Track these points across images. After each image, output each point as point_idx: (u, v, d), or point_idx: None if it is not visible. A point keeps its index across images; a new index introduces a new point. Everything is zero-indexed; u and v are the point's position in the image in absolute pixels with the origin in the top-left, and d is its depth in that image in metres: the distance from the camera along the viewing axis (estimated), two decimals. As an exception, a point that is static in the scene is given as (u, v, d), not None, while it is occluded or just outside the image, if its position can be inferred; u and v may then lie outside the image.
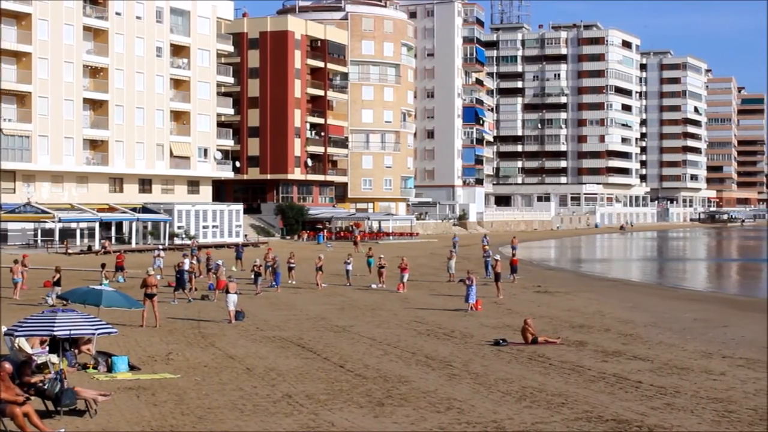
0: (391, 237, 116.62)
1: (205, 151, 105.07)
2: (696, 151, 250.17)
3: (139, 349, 29.22)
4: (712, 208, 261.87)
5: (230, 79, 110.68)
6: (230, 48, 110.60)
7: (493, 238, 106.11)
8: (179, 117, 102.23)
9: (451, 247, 77.64)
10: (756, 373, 25.85)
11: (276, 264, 51.30)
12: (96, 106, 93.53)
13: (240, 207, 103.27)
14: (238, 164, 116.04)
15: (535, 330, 31.49)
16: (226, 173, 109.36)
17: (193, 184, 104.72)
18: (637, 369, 26.38)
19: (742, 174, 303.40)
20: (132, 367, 25.69)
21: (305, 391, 22.75)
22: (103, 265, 50.37)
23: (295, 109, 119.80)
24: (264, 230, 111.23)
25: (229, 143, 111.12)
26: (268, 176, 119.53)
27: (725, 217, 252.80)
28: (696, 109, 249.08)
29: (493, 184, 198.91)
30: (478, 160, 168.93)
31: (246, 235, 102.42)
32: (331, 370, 25.92)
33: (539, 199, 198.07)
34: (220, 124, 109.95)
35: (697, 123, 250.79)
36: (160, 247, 72.04)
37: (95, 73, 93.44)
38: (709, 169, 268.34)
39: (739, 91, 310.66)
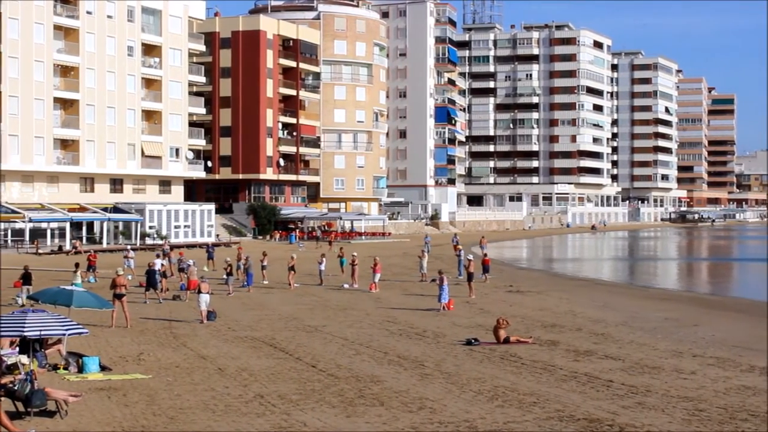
0: (363, 237, 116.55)
1: (177, 150, 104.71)
2: (667, 151, 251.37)
3: (111, 349, 29.10)
4: (682, 208, 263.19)
5: (202, 79, 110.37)
6: (202, 47, 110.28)
7: (464, 238, 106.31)
8: (151, 116, 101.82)
9: (423, 247, 77.72)
10: (726, 372, 26.00)
11: (248, 264, 51.20)
12: (67, 105, 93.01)
13: (212, 207, 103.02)
14: (209, 164, 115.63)
15: (507, 330, 31.51)
16: (198, 173, 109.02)
17: (165, 183, 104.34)
18: (608, 368, 26.47)
19: (712, 174, 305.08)
20: (103, 368, 25.57)
21: (277, 392, 22.72)
22: (77, 265, 50.14)
23: (267, 109, 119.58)
24: (236, 230, 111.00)
25: (200, 143, 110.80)
26: (240, 176, 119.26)
27: (696, 216, 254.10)
28: (667, 110, 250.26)
29: (465, 184, 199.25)
30: (450, 160, 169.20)
31: (218, 235, 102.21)
32: (303, 370, 25.89)
33: (511, 198, 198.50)
34: (192, 124, 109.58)
35: (667, 123, 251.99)
36: (129, 247, 71.68)
37: (66, 72, 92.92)
38: (680, 169, 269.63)
39: (710, 92, 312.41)
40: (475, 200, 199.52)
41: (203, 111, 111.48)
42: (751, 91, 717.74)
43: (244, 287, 49.70)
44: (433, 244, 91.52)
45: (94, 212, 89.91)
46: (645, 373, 25.72)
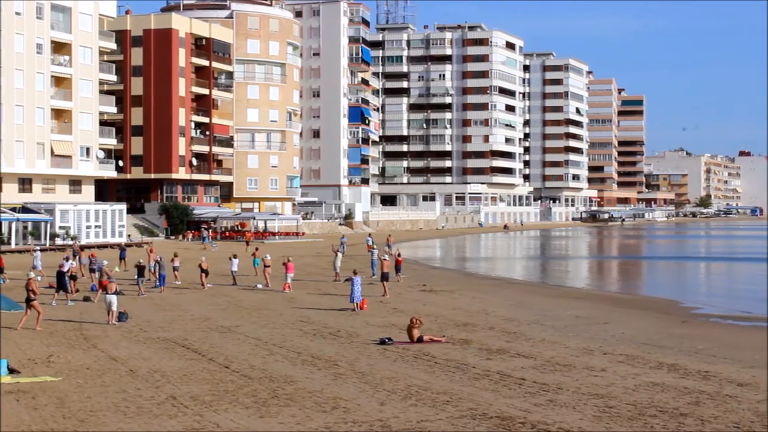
0: (277, 237, 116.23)
1: (88, 150, 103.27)
2: (578, 151, 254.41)
3: (19, 351, 28.62)
4: (593, 208, 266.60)
5: (113, 77, 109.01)
6: (113, 45, 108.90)
7: (378, 238, 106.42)
8: (60, 115, 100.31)
9: (338, 247, 77.70)
10: (635, 369, 26.39)
11: (160, 264, 50.73)
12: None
13: (123, 207, 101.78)
14: (121, 163, 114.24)
15: (420, 329, 31.62)
16: (109, 172, 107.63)
17: (75, 183, 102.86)
18: (520, 366, 26.71)
19: (622, 174, 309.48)
20: (11, 371, 25.13)
21: (190, 392, 22.55)
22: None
23: (179, 108, 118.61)
24: (148, 230, 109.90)
25: (112, 142, 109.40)
26: (152, 175, 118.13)
27: (606, 216, 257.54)
28: (578, 110, 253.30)
29: (379, 184, 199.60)
30: (364, 160, 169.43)
31: (129, 235, 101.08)
32: (216, 370, 25.74)
33: (424, 198, 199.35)
34: (103, 123, 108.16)
35: (578, 124, 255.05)
36: (37, 248, 70.53)
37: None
38: (591, 169, 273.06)
39: (620, 93, 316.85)
40: (388, 200, 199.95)
41: (114, 110, 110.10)
42: (659, 93, 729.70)
43: (156, 288, 49.24)
44: (348, 244, 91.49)
45: (2, 212, 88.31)
46: (556, 371, 25.99)
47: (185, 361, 27.35)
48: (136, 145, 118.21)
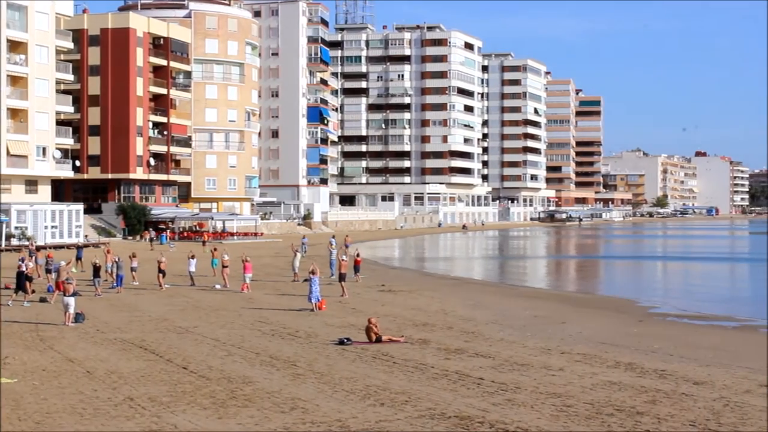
0: (235, 237, 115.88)
1: (44, 149, 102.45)
2: (536, 151, 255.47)
3: (-26, 353, 28.37)
4: (551, 208, 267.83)
5: (70, 77, 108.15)
6: (70, 45, 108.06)
7: (337, 238, 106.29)
8: (16, 115, 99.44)
9: (299, 247, 77.53)
10: (592, 368, 26.54)
11: (118, 265, 50.42)
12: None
13: (80, 207, 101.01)
14: (78, 163, 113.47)
15: (379, 329, 31.70)
16: (66, 172, 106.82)
17: (31, 183, 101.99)
18: (478, 366, 26.77)
19: (580, 174, 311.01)
20: (-34, 372, 24.93)
21: (147, 394, 22.43)
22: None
23: (137, 108, 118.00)
24: (105, 231, 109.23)
25: (68, 142, 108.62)
26: (110, 176, 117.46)
27: (564, 216, 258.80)
28: (536, 111, 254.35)
29: (338, 184, 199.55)
30: (323, 160, 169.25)
31: (86, 236, 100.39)
32: (174, 371, 25.62)
33: (383, 198, 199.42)
34: (60, 122, 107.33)
35: (536, 124, 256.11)
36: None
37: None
38: (549, 169, 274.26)
39: (577, 93, 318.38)
40: (347, 200, 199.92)
41: (71, 109, 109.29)
42: (616, 93, 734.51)
43: (113, 288, 48.96)
44: (309, 244, 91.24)
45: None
46: (514, 370, 26.08)
47: (143, 362, 27.20)
48: (93, 145, 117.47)
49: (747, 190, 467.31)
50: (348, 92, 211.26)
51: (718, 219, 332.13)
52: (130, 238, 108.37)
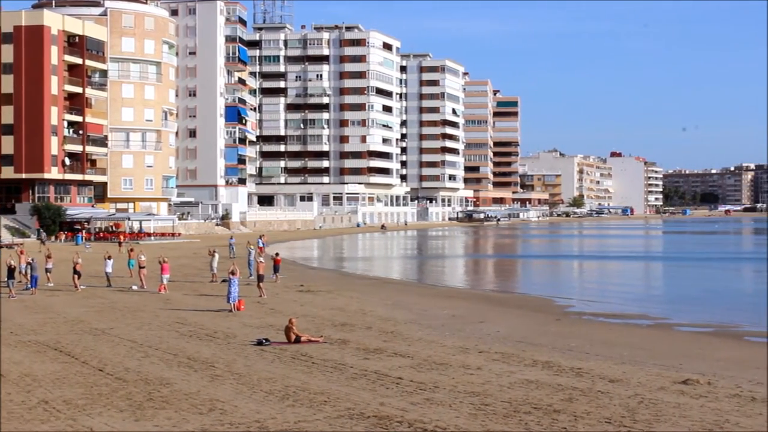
0: (152, 237, 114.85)
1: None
2: (454, 151, 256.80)
3: None
4: (469, 208, 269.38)
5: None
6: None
7: (254, 238, 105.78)
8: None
9: (213, 249, 77.00)
10: (510, 367, 26.75)
11: (33, 266, 49.68)
12: None
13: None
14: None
15: (298, 330, 31.64)
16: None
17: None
18: (397, 365, 26.84)
19: (497, 174, 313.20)
20: None
21: (63, 397, 22.13)
22: None
23: (51, 107, 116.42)
24: (19, 231, 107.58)
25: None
26: (23, 175, 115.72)
27: (482, 216, 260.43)
28: (454, 111, 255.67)
29: (256, 184, 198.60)
30: (241, 160, 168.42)
31: None
32: (89, 374, 25.31)
33: (302, 198, 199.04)
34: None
35: (455, 124, 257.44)
36: None
37: None
38: (467, 169, 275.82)
39: (495, 94, 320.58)
40: (266, 200, 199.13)
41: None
42: (533, 94, 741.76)
43: (28, 290, 48.24)
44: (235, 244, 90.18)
45: None
46: (433, 370, 26.19)
47: (58, 364, 26.84)
48: (7, 144, 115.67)
49: (661, 190, 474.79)
50: (266, 92, 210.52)
51: (633, 219, 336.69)
52: (42, 239, 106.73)
